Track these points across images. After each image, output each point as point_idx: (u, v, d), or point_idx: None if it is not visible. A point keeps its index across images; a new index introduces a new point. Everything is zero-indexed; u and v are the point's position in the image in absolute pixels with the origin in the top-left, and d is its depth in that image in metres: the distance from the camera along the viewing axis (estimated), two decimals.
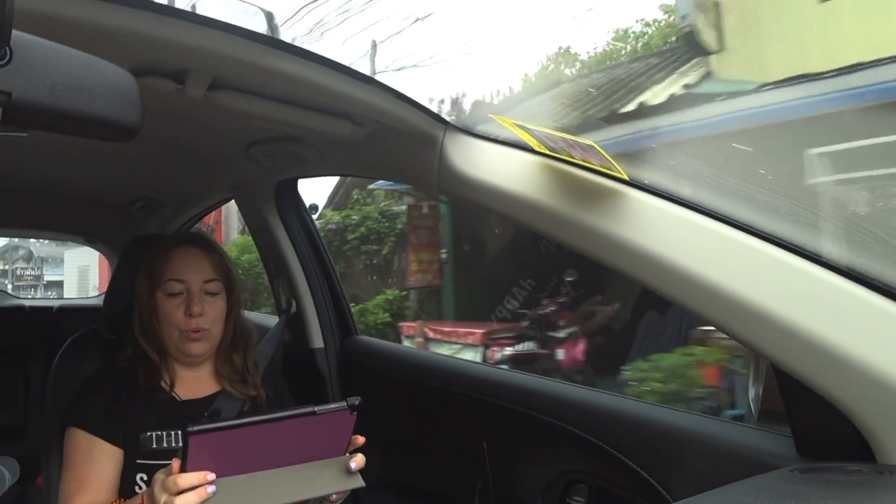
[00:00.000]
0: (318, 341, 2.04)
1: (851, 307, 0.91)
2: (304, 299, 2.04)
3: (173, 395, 1.44)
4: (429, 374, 1.81)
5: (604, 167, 1.04)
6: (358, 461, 1.13)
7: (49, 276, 21.75)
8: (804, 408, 0.99)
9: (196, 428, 1.02)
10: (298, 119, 1.28)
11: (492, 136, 1.20)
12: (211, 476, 1.04)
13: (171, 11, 0.90)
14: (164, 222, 2.53)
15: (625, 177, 1.05)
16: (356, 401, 1.10)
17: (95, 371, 1.50)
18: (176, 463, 1.06)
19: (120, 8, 0.87)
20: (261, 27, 1.06)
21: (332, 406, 1.08)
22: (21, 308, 2.83)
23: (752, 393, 1.10)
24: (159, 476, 1.10)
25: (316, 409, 1.07)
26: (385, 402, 1.92)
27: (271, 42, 1.01)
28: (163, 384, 1.44)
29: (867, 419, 0.90)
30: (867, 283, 0.92)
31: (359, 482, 1.15)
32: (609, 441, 1.32)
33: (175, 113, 1.31)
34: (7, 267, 21.84)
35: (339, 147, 1.48)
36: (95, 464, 1.34)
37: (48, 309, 2.85)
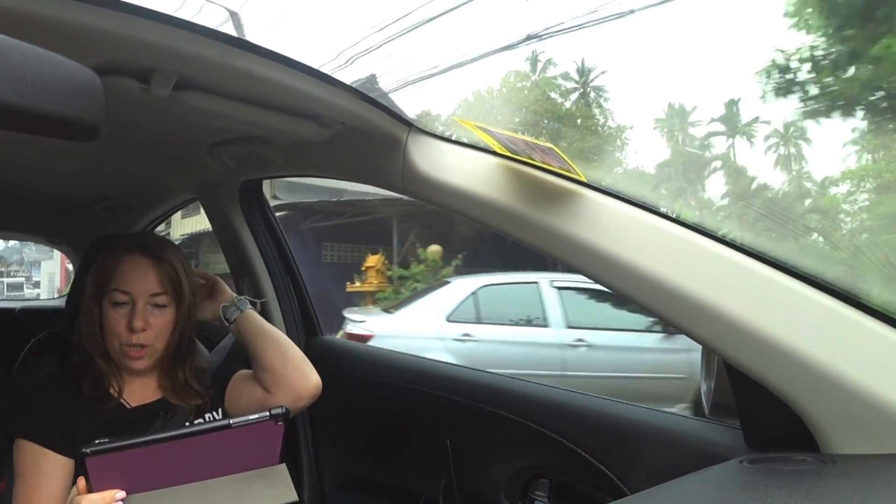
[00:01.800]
0: None
1: (797, 305, 0.95)
2: (269, 300, 2.03)
3: (122, 401, 1.41)
4: (393, 372, 1.82)
5: (563, 169, 1.07)
6: None
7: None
8: (753, 401, 1.02)
9: (91, 449, 0.99)
10: (263, 119, 1.28)
11: (454, 138, 1.22)
12: (120, 494, 1.02)
13: (136, 10, 0.90)
14: (129, 222, 2.50)
15: (583, 179, 1.08)
16: (280, 409, 1.06)
17: (42, 378, 1.45)
18: (81, 482, 1.04)
19: (84, 5, 0.86)
20: (227, 27, 1.06)
21: (252, 417, 1.05)
22: None
23: (703, 387, 1.13)
24: (73, 490, 1.08)
25: (232, 421, 1.04)
26: (350, 401, 1.93)
27: (237, 42, 1.01)
28: (111, 391, 1.41)
29: (811, 411, 0.94)
30: (811, 281, 0.96)
31: (291, 495, 1.11)
32: (569, 437, 1.35)
33: (139, 112, 1.30)
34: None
35: (303, 148, 1.48)
36: (45, 476, 1.30)
37: (10, 310, 2.79)
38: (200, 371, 1.52)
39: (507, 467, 1.48)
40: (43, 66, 0.61)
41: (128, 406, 1.42)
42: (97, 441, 1.31)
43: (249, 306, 1.54)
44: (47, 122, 0.62)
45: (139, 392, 1.44)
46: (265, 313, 2.03)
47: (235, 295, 1.57)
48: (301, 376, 1.44)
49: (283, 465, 1.12)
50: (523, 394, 1.50)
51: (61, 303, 2.30)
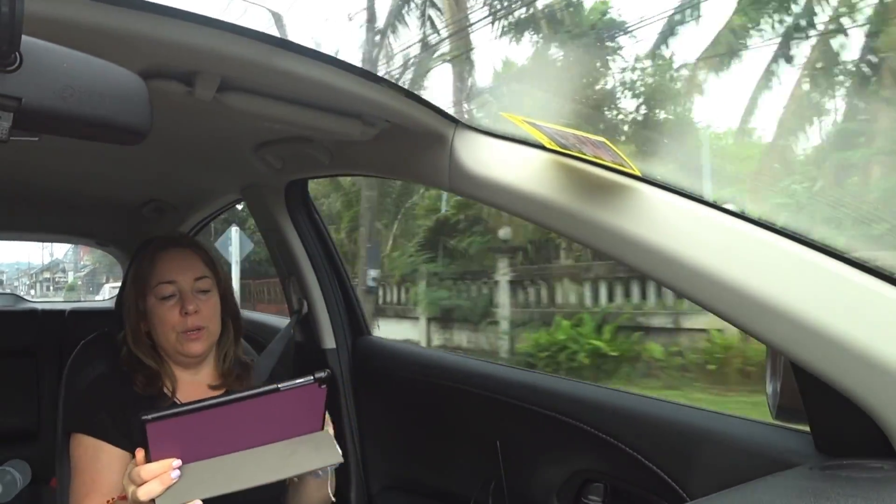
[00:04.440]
0: (329, 342, 2.04)
1: (870, 302, 0.90)
2: (315, 299, 2.04)
3: (175, 400, 1.44)
4: (441, 373, 1.81)
5: (616, 163, 1.03)
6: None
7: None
8: (823, 404, 0.97)
9: (152, 415, 1.01)
10: (308, 119, 1.27)
11: (502, 134, 1.19)
12: (176, 462, 1.04)
13: (179, 14, 0.90)
14: (175, 224, 2.53)
15: (638, 173, 1.04)
16: (323, 373, 1.08)
17: (98, 375, 1.49)
18: (140, 453, 1.06)
19: (127, 11, 0.86)
20: (269, 28, 1.06)
21: (298, 381, 1.07)
22: (34, 311, 2.84)
23: (769, 389, 1.09)
24: (130, 464, 1.10)
25: (280, 385, 1.06)
26: (398, 402, 1.92)
27: (280, 43, 1.01)
28: (164, 390, 1.44)
29: (888, 415, 0.89)
30: (886, 277, 0.91)
31: (337, 457, 1.13)
32: (625, 439, 1.32)
33: (184, 115, 1.31)
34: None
35: (348, 147, 1.47)
36: (103, 468, 1.33)
37: (60, 312, 2.86)
38: (248, 367, 1.55)
39: (560, 470, 1.45)
40: (89, 72, 0.62)
41: (179, 403, 1.43)
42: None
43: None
44: (95, 127, 0.63)
45: (192, 389, 1.47)
46: (311, 313, 2.04)
47: None
48: None
49: (327, 431, 1.15)
50: (576, 395, 1.47)
51: (111, 304, 2.34)
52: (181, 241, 1.49)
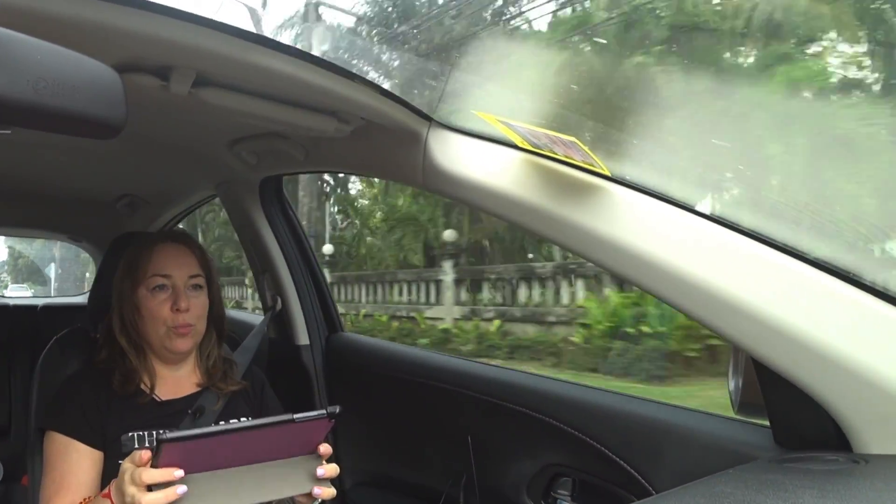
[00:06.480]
0: (303, 338, 2.05)
1: (827, 300, 0.93)
2: (289, 296, 2.04)
3: (153, 396, 1.43)
4: (414, 369, 1.82)
5: (586, 163, 1.06)
6: (328, 470, 1.11)
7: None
8: (782, 399, 1.00)
9: (171, 436, 1.01)
10: (283, 116, 1.28)
11: (475, 133, 1.21)
12: (179, 473, 1.03)
13: (155, 7, 0.90)
14: (149, 220, 2.52)
15: (607, 173, 1.06)
16: (336, 409, 1.08)
17: (73, 373, 1.48)
18: (146, 454, 1.06)
19: (102, 3, 0.86)
20: (245, 23, 1.06)
21: (312, 414, 1.07)
22: (5, 307, 2.80)
23: (731, 385, 1.11)
24: (127, 465, 1.09)
25: (295, 416, 1.06)
26: (370, 398, 1.93)
27: (256, 38, 1.01)
28: (142, 387, 1.43)
29: (843, 410, 0.92)
30: (842, 276, 0.94)
31: (327, 484, 1.14)
32: (592, 434, 1.34)
33: (159, 110, 1.30)
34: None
35: (323, 144, 1.48)
36: (74, 466, 1.32)
37: (33, 307, 2.82)
38: (232, 365, 1.56)
39: (530, 465, 1.47)
40: (64, 64, 0.61)
41: (158, 400, 1.43)
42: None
43: None
44: (68, 121, 0.62)
45: (171, 385, 1.46)
46: (285, 310, 2.04)
47: None
48: None
49: (321, 458, 1.15)
50: (546, 391, 1.49)
51: (83, 300, 2.32)
52: (179, 238, 1.49)
